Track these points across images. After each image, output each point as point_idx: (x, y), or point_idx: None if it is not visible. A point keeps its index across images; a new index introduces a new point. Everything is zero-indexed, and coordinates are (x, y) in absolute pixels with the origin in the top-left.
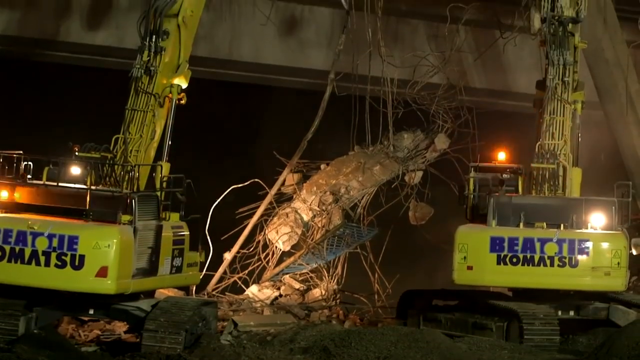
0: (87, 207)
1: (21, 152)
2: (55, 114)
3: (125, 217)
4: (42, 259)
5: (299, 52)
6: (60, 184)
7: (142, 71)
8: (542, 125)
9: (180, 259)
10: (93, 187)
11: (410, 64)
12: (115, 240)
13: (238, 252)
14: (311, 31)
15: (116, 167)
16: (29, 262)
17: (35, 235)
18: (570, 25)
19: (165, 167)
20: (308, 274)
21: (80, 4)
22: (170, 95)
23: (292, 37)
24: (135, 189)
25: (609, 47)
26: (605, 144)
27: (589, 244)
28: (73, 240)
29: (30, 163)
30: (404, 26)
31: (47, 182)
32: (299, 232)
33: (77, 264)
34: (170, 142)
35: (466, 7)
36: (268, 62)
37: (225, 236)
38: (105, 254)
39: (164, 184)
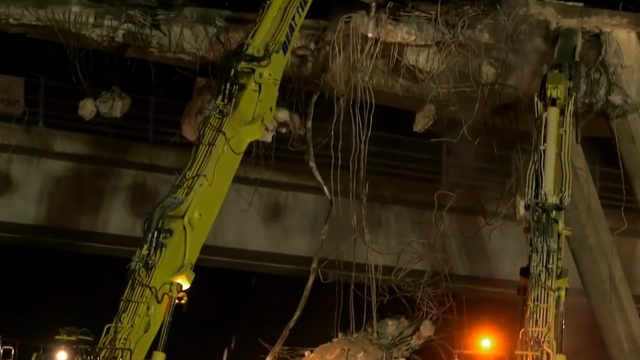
0: None
1: None
2: (53, 299)
3: None
4: None
5: (283, 239)
6: None
7: (141, 265)
8: (526, 312)
9: None
10: None
11: (395, 251)
12: None
13: None
14: (295, 217)
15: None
16: None
17: None
18: (554, 212)
19: (160, 357)
20: None
21: (61, 189)
22: (169, 293)
23: (276, 223)
24: None
25: (593, 234)
26: (589, 331)
27: None
28: None
29: (10, 347)
30: (388, 212)
31: None
32: None
33: None
34: (166, 337)
35: (450, 194)
36: (252, 248)
37: None
38: None
39: None
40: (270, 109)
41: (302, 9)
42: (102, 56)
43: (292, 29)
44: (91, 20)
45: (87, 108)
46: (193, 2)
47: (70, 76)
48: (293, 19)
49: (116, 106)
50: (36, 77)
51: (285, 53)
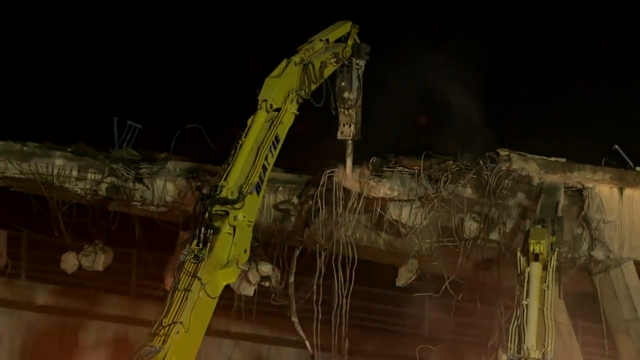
0: None
1: None
2: None
3: None
4: None
5: None
6: None
7: None
8: None
9: None
10: None
11: None
12: None
13: None
14: None
15: None
16: None
17: None
18: None
19: None
20: None
21: (43, 343)
22: None
23: None
24: None
25: None
26: None
27: None
28: None
29: None
30: None
31: None
32: None
33: None
34: None
35: (434, 348)
36: None
37: None
38: None
39: None
40: (245, 251)
41: (275, 148)
42: (85, 209)
43: (265, 169)
44: (74, 173)
45: (70, 261)
46: (176, 155)
47: (52, 230)
48: (266, 158)
49: (99, 260)
50: (19, 230)
51: (258, 194)
